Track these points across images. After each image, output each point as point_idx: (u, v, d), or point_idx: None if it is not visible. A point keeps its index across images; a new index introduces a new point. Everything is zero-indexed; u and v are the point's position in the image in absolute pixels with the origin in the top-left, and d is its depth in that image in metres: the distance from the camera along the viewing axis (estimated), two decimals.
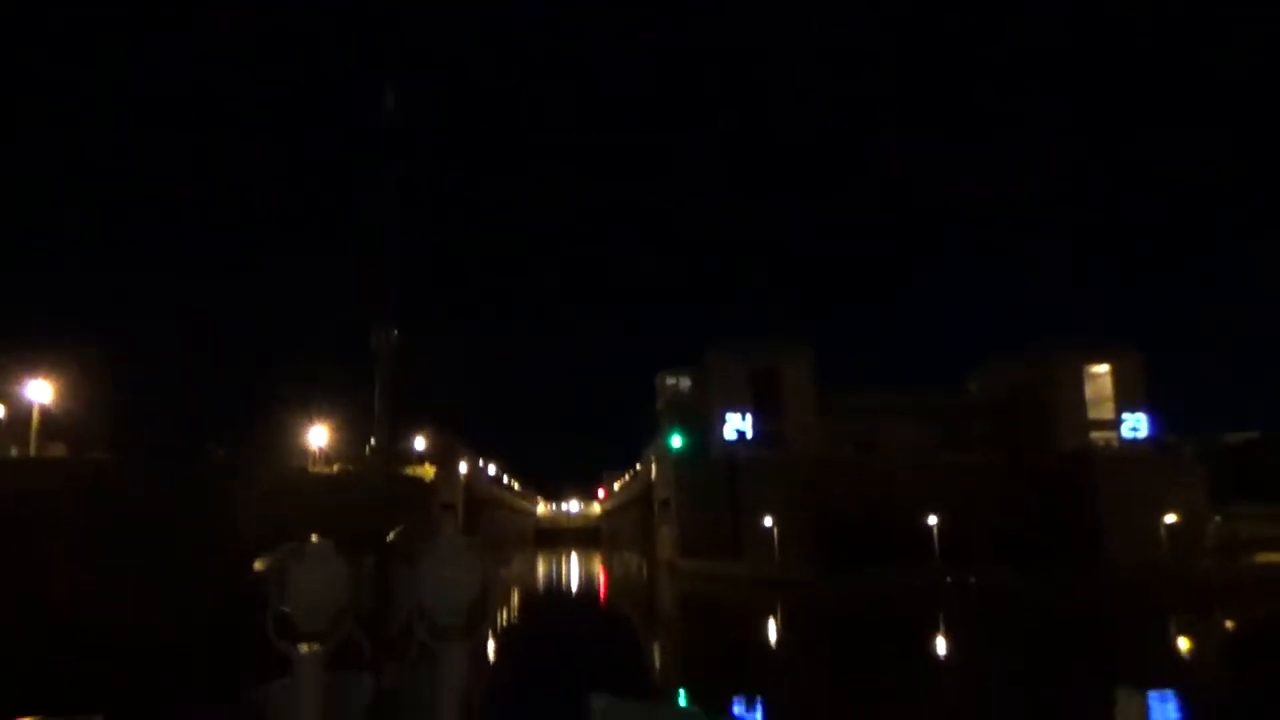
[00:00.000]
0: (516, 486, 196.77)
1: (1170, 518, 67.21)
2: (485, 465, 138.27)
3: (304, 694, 4.77)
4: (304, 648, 4.80)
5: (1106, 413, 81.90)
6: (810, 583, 57.97)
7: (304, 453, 60.78)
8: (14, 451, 52.58)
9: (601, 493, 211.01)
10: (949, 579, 56.08)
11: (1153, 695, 26.17)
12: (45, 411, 53.55)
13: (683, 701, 23.83)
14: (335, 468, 61.74)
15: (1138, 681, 28.09)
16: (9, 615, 32.84)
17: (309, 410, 61.51)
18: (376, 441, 5.56)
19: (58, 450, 56.47)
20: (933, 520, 63.57)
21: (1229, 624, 45.37)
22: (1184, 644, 39.94)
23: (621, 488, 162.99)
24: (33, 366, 52.30)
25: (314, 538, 4.96)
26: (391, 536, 5.08)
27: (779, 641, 41.31)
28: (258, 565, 4.84)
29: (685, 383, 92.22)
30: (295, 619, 4.81)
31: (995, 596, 51.25)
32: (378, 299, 5.08)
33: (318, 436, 61.64)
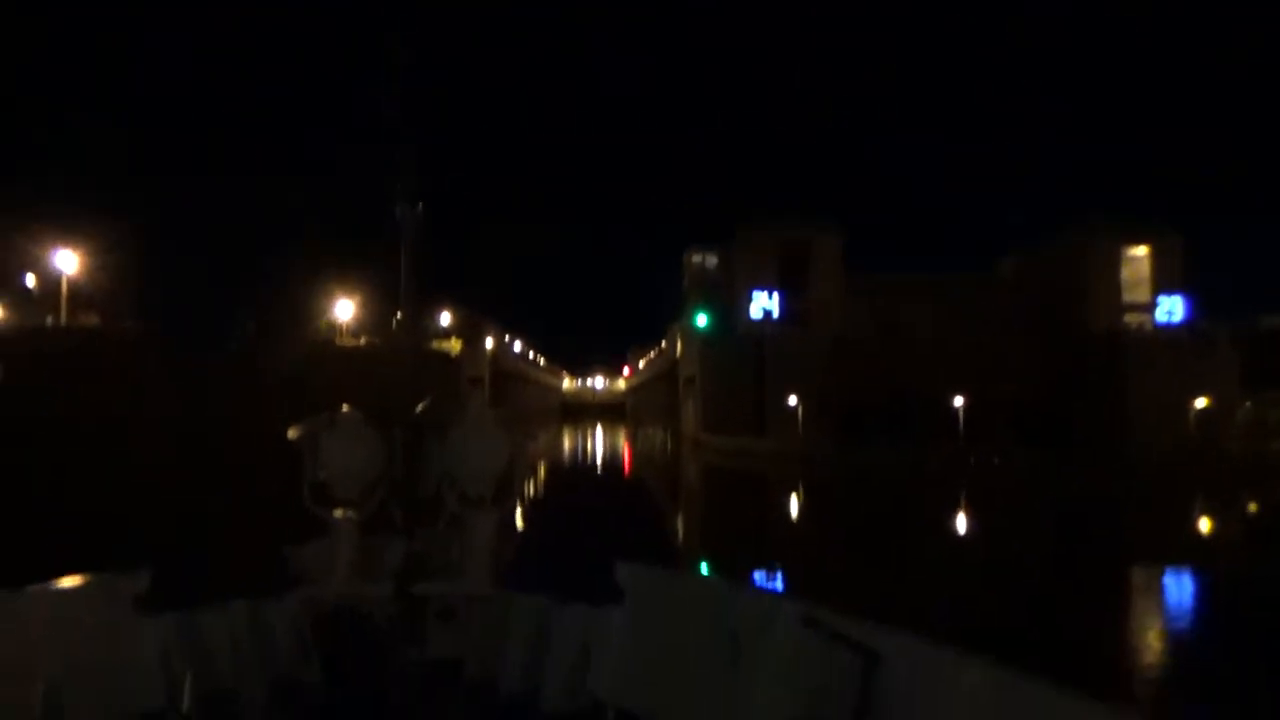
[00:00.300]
0: (543, 362, 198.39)
1: (1200, 402, 66.58)
2: (512, 341, 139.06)
3: (339, 556, 4.94)
4: (338, 513, 4.98)
5: (1142, 296, 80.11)
6: (832, 459, 58.55)
7: (331, 325, 61.11)
8: (49, 320, 53.30)
9: (627, 369, 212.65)
10: (972, 459, 56.29)
11: (1168, 574, 26.31)
12: (76, 282, 54.00)
13: (704, 571, 24.02)
14: (362, 340, 62.21)
15: (1154, 561, 28.21)
16: (45, 480, 33.94)
17: (336, 283, 61.51)
18: (402, 314, 5.59)
19: (90, 320, 57.28)
20: (958, 401, 63.35)
21: (1252, 506, 45.38)
22: (1204, 525, 40.08)
23: (647, 364, 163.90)
24: (63, 237, 52.40)
25: (344, 408, 5.11)
26: (420, 408, 5.19)
27: (800, 514, 41.86)
28: (291, 434, 5.00)
29: (712, 260, 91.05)
30: (329, 486, 4.99)
31: (1018, 476, 51.51)
32: (401, 173, 5.05)
33: (344, 310, 61.85)
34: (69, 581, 4.35)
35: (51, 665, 3.90)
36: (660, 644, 4.45)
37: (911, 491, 47.35)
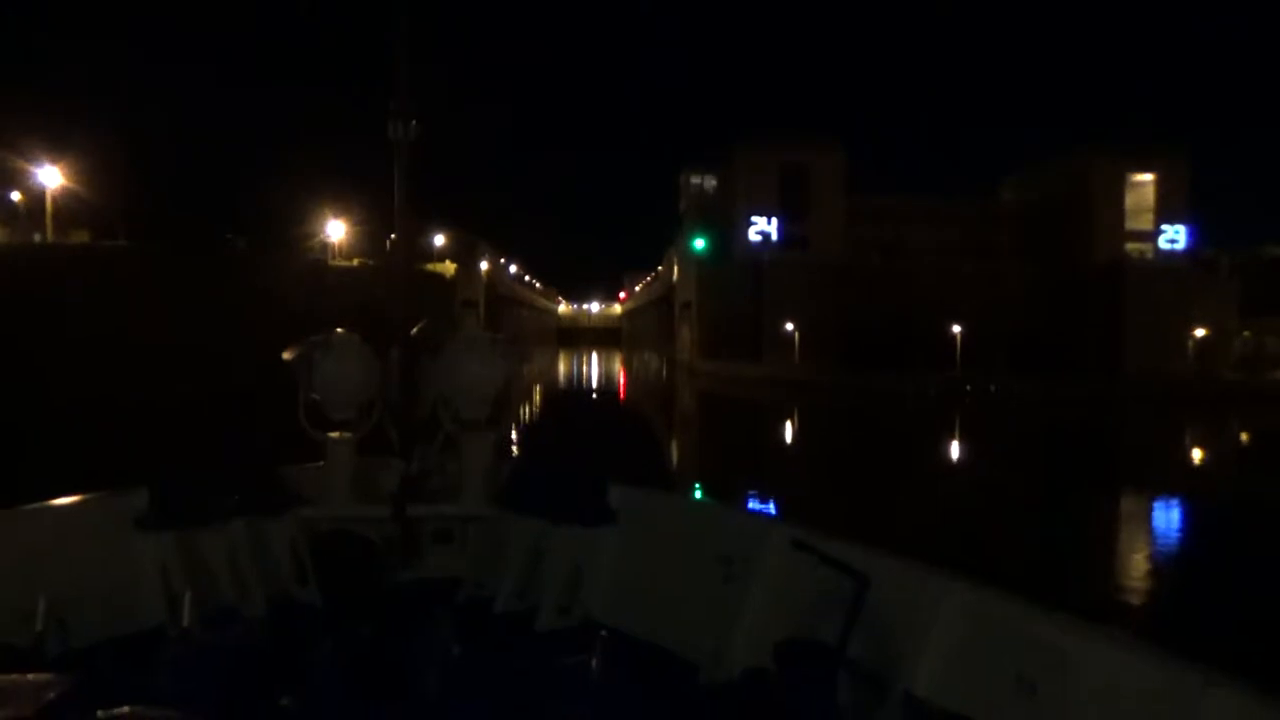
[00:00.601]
0: (539, 286, 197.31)
1: (1200, 331, 66.37)
2: (507, 264, 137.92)
3: (335, 477, 4.98)
4: (334, 435, 5.01)
5: (1145, 223, 79.15)
6: (828, 385, 58.46)
7: (322, 246, 60.28)
8: (37, 238, 52.33)
9: (623, 294, 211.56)
10: (968, 386, 56.21)
11: (1157, 502, 26.32)
12: (65, 199, 52.98)
13: (697, 494, 23.92)
14: (355, 262, 61.45)
15: (1142, 487, 28.32)
16: (41, 397, 33.84)
17: (329, 203, 60.50)
18: (396, 235, 5.54)
19: (80, 237, 56.29)
20: (956, 328, 63.04)
21: (1244, 435, 45.52)
22: (1196, 453, 40.20)
23: (643, 288, 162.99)
24: (48, 151, 51.21)
25: (338, 330, 5.11)
26: (415, 330, 5.23)
27: (793, 441, 41.90)
28: (286, 355, 4.97)
29: (710, 182, 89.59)
30: (325, 408, 5.02)
31: (1013, 403, 51.52)
32: (395, 91, 5.00)
33: (335, 230, 60.94)
34: (68, 500, 4.39)
35: (53, 583, 3.92)
36: (652, 565, 4.55)
37: (905, 419, 47.37)
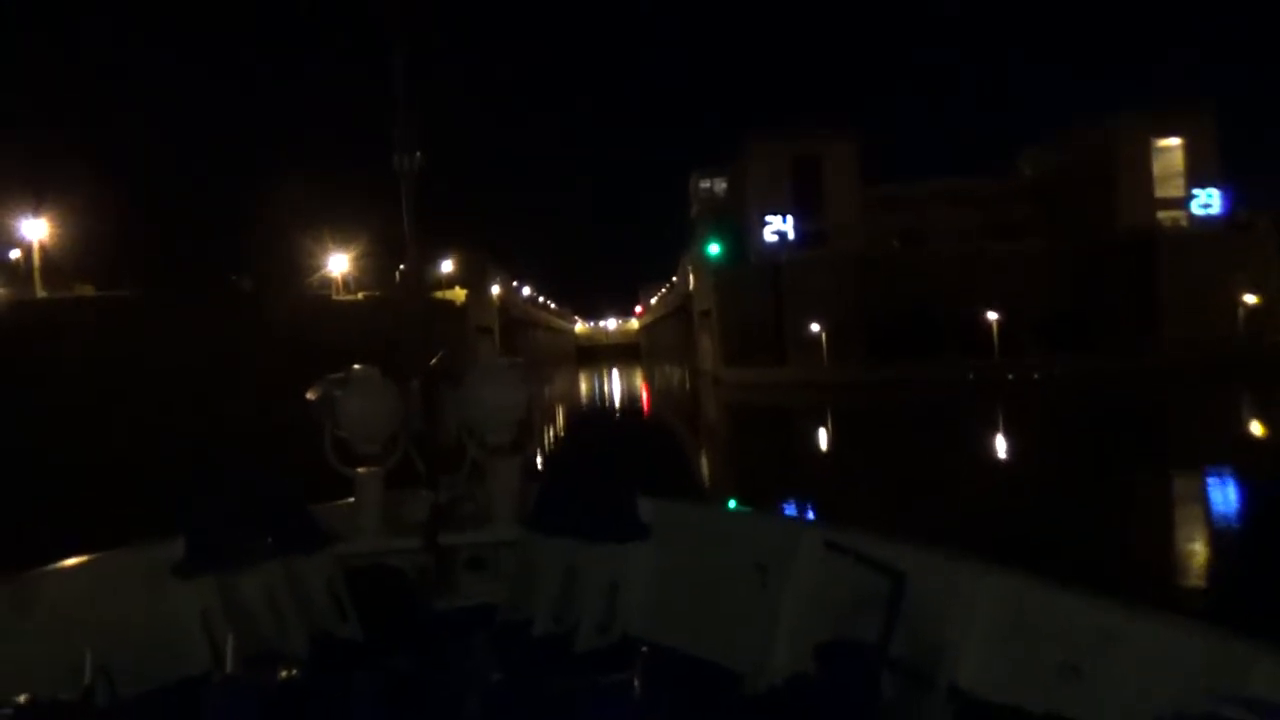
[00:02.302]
0: (554, 306, 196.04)
1: (1250, 298, 63.09)
2: (520, 286, 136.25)
3: (366, 511, 5.04)
4: (362, 470, 5.02)
5: (1175, 190, 75.95)
6: (862, 382, 55.74)
7: (324, 280, 58.28)
8: (42, 293, 50.69)
9: (639, 308, 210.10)
10: (1010, 375, 53.31)
11: (1241, 484, 23.94)
12: (63, 250, 51.56)
13: (732, 505, 22.31)
14: (360, 295, 59.40)
15: (1226, 470, 25.80)
16: (69, 448, 32.48)
17: (329, 236, 58.62)
18: (406, 266, 5.53)
19: (86, 290, 54.87)
20: (991, 314, 60.15)
21: None
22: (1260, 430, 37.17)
23: (658, 300, 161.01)
24: (36, 203, 49.74)
25: (355, 366, 5.09)
26: (435, 360, 5.29)
27: (833, 445, 38.99)
28: (309, 395, 4.98)
29: (720, 185, 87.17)
30: (351, 444, 5.00)
31: (1062, 386, 48.63)
32: (399, 120, 5.00)
33: (339, 263, 58.93)
34: (106, 552, 4.43)
35: (97, 635, 3.79)
36: (688, 576, 4.54)
37: (950, 414, 44.49)
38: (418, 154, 5.04)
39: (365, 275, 64.47)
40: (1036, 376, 52.72)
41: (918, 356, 58.65)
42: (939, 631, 3.28)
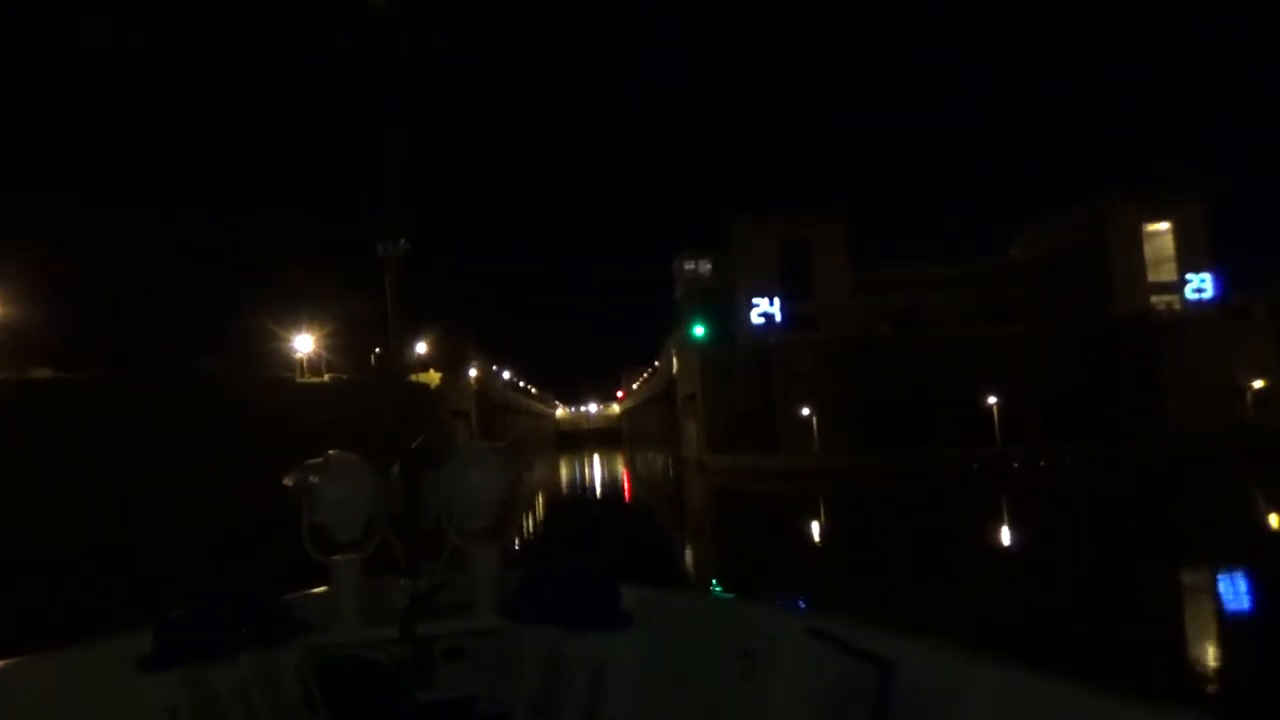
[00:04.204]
0: (534, 391, 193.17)
1: (1258, 383, 61.04)
2: (499, 370, 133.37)
3: (342, 600, 4.84)
4: (338, 557, 4.86)
5: (1168, 274, 74.81)
6: (860, 470, 52.60)
7: (286, 362, 55.02)
8: None
9: (620, 393, 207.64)
10: (1015, 463, 50.41)
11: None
12: (18, 332, 48.82)
13: (716, 591, 21.73)
14: (326, 377, 56.11)
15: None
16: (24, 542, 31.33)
17: (292, 316, 55.68)
18: (391, 351, 5.43)
19: (43, 373, 51.98)
20: (991, 399, 57.57)
21: None
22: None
23: (641, 385, 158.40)
24: None
25: (331, 451, 4.95)
26: (416, 444, 5.07)
27: (858, 541, 35.10)
28: (286, 481, 4.83)
29: (706, 266, 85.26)
30: (328, 531, 4.86)
31: (1074, 474, 45.71)
32: (383, 208, 4.94)
33: (303, 344, 55.77)
34: (70, 647, 4.26)
35: None
36: (671, 666, 4.48)
37: (957, 506, 41.26)
38: (402, 240, 4.91)
39: (335, 356, 61.40)
40: (1043, 464, 49.80)
41: (911, 441, 55.80)
42: None
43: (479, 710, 4.79)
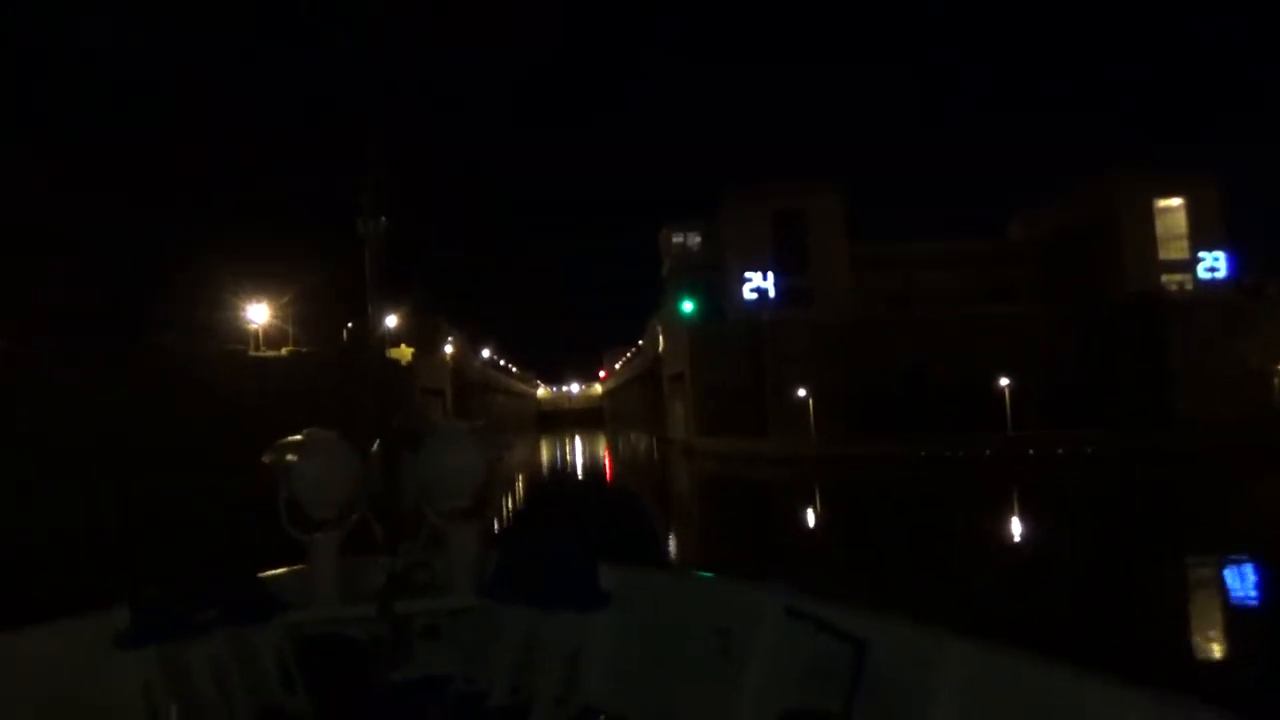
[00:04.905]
0: (515, 370, 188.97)
1: None
2: (478, 348, 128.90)
3: (320, 578, 4.84)
4: (317, 535, 4.84)
5: (1180, 252, 71.46)
6: (862, 457, 48.89)
7: (237, 333, 50.50)
8: None
9: (602, 373, 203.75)
10: (1031, 450, 46.79)
11: None
12: None
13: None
14: (285, 350, 51.69)
15: None
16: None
17: (248, 286, 51.17)
18: (371, 328, 5.21)
19: None
20: (1004, 381, 53.89)
21: None
22: None
23: (624, 364, 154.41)
24: None
25: (311, 430, 4.87)
26: (396, 421, 4.99)
27: (885, 538, 30.99)
28: (265, 459, 4.79)
29: (695, 239, 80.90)
30: (306, 508, 4.81)
31: (1096, 463, 42.26)
32: (367, 185, 4.82)
33: (258, 314, 51.25)
34: (47, 624, 4.25)
35: (36, 708, 3.82)
36: (648, 644, 4.45)
37: (988, 494, 37.50)
38: (383, 219, 4.77)
39: (299, 329, 56.92)
40: (1061, 451, 46.23)
41: (911, 426, 52.15)
42: (902, 701, 3.21)
43: (454, 689, 4.78)
